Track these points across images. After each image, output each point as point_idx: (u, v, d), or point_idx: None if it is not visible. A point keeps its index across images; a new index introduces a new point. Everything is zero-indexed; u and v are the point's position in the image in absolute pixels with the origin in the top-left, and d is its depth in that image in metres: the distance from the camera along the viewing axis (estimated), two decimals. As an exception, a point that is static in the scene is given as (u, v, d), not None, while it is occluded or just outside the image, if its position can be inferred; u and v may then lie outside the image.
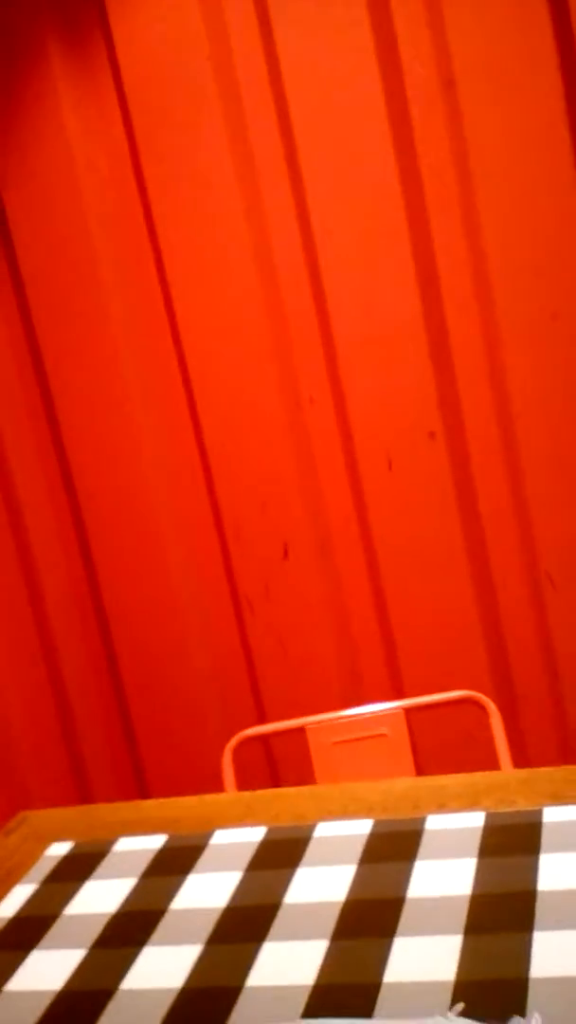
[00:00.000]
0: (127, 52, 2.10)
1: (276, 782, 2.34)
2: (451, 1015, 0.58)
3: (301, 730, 1.76)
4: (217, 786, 1.76)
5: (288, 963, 0.89)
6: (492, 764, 1.68)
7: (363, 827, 1.09)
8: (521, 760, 2.15)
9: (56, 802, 2.37)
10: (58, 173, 2.19)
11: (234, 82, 2.05)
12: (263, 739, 2.27)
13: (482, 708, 1.73)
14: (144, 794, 2.47)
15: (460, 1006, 0.67)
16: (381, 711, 1.75)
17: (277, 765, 2.31)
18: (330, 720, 1.76)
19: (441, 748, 2.13)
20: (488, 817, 1.05)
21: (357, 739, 1.76)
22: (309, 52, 2.00)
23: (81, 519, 2.38)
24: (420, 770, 1.74)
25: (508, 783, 1.12)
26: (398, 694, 2.20)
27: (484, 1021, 0.60)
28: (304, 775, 1.72)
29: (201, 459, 2.26)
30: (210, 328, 2.18)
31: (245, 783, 1.67)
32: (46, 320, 2.29)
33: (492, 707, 1.72)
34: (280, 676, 2.30)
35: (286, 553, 2.24)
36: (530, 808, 1.05)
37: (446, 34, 1.92)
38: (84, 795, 2.47)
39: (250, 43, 2.03)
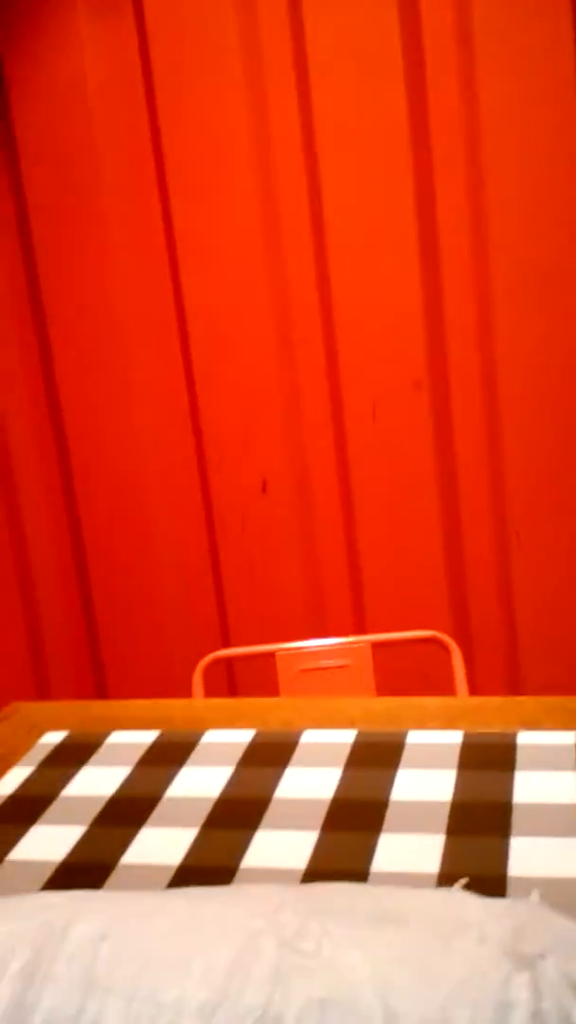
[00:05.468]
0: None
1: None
2: (455, 889, 0.64)
3: (265, 656, 1.82)
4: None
5: (280, 849, 0.95)
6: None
7: (347, 736, 1.16)
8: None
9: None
10: (69, 90, 2.18)
11: (255, 22, 2.06)
12: (226, 662, 2.33)
13: (443, 648, 1.80)
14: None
15: (464, 880, 0.74)
16: (348, 643, 1.81)
17: (237, 689, 2.37)
18: (299, 649, 1.82)
19: (397, 683, 2.21)
20: (466, 736, 1.13)
21: (322, 668, 1.83)
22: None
23: (65, 440, 2.40)
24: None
25: (484, 708, 1.19)
26: (359, 630, 2.27)
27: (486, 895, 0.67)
28: (265, 700, 1.78)
29: (188, 389, 2.29)
30: (209, 262, 2.20)
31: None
32: (45, 245, 2.28)
33: (455, 647, 1.80)
34: (247, 604, 2.36)
35: (264, 487, 2.28)
36: (506, 731, 1.13)
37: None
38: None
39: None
